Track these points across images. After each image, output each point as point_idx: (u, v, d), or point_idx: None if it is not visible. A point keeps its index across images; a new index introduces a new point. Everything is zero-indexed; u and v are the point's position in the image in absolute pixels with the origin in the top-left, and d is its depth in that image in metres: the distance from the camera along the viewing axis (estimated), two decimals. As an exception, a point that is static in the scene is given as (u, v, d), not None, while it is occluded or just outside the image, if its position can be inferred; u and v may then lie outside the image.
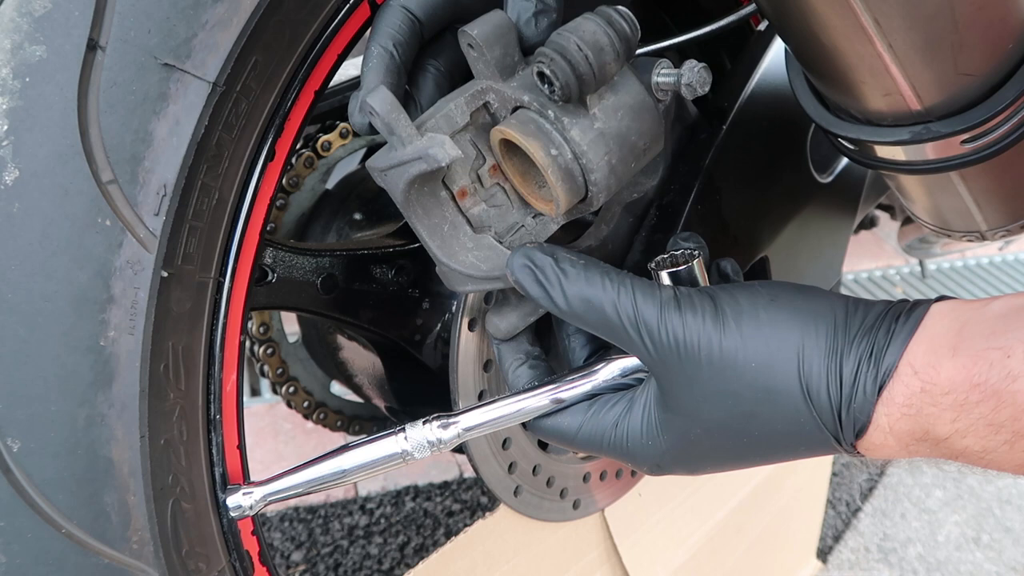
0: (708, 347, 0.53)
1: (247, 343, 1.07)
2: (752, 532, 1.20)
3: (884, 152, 0.65)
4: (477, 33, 0.55)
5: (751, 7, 0.73)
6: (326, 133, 0.98)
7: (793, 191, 0.89)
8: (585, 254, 0.73)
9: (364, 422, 1.17)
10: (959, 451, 0.49)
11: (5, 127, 0.47)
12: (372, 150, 1.04)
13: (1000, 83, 0.58)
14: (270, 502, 0.58)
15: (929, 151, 0.62)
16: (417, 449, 0.59)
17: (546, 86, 0.55)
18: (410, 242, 0.84)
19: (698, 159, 0.78)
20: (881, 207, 1.54)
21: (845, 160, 0.93)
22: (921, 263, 2.24)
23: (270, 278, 0.77)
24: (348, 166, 1.05)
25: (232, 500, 0.57)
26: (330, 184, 1.03)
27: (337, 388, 1.14)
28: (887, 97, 0.58)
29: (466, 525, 0.87)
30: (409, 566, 0.96)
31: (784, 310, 0.53)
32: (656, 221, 0.78)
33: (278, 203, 0.99)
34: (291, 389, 1.11)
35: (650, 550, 1.01)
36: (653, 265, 0.61)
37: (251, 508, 0.58)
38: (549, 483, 0.84)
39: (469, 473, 1.54)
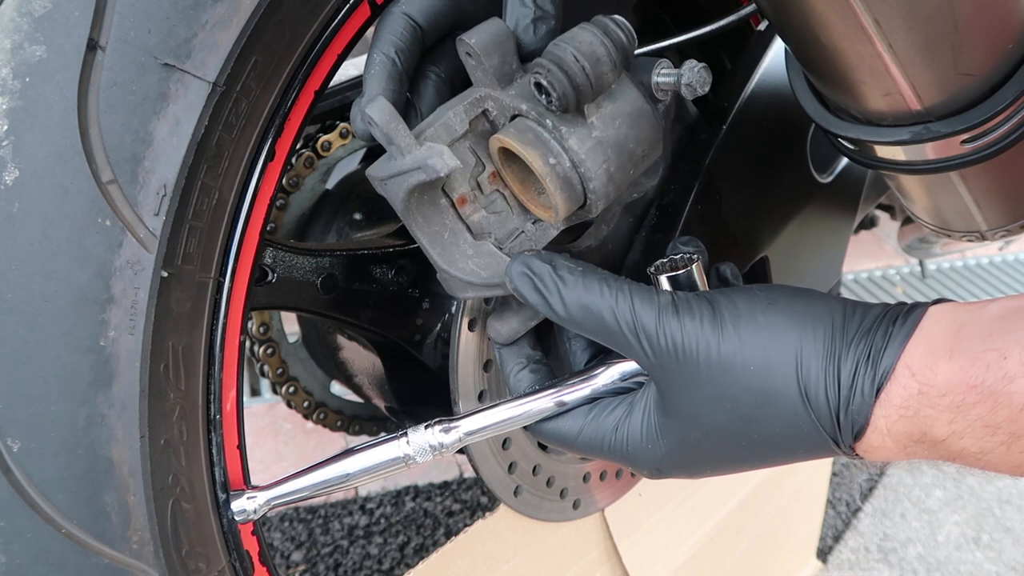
0: (706, 351, 0.53)
1: (247, 343, 1.07)
2: (752, 532, 1.20)
3: (884, 152, 0.65)
4: (475, 42, 0.55)
5: (751, 7, 0.73)
6: (326, 133, 0.98)
7: (793, 191, 0.89)
8: (584, 257, 0.73)
9: (364, 422, 1.17)
10: (956, 452, 0.50)
11: (5, 127, 0.47)
12: (372, 151, 1.04)
13: (1000, 83, 0.58)
14: (274, 506, 0.59)
15: (929, 151, 0.62)
16: (419, 453, 0.59)
17: (543, 97, 0.55)
18: (410, 242, 0.84)
19: (698, 159, 0.78)
20: (881, 207, 1.54)
21: (845, 160, 0.93)
22: (921, 263, 2.24)
23: (270, 278, 0.77)
24: (348, 166, 1.05)
25: (237, 505, 0.58)
26: (330, 184, 1.03)
27: (337, 388, 1.14)
28: (887, 97, 0.58)
29: (466, 525, 0.87)
30: (409, 566, 0.96)
31: (782, 314, 0.53)
32: (656, 221, 0.78)
33: (278, 203, 0.99)
34: (291, 389, 1.11)
35: (650, 550, 1.01)
36: (652, 269, 0.61)
37: (255, 512, 0.58)
38: (549, 483, 0.84)
39: (469, 473, 1.54)
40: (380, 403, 1.01)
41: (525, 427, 0.62)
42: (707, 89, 0.61)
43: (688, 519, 1.07)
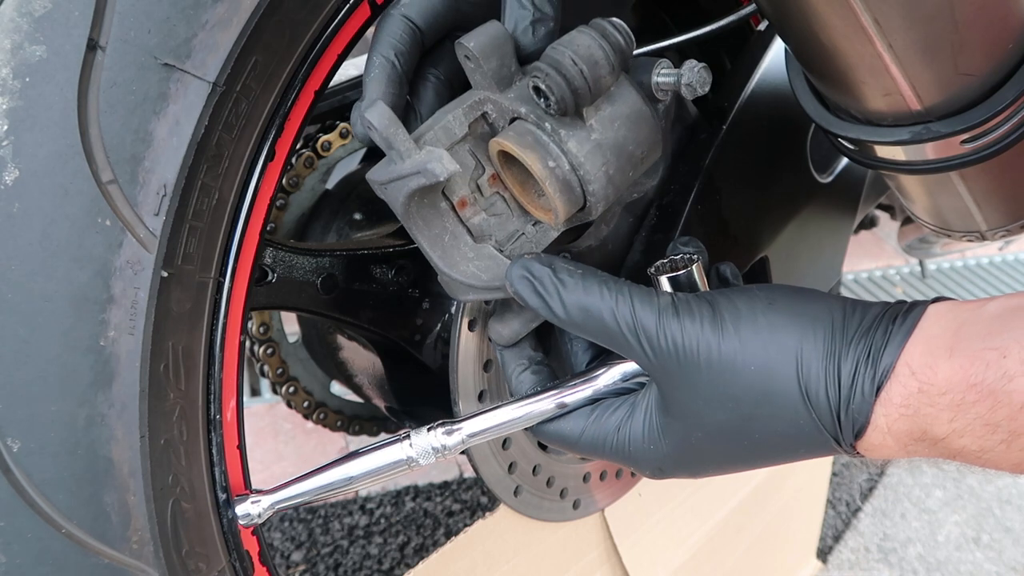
0: (707, 352, 0.53)
1: (247, 343, 1.07)
2: (752, 532, 1.20)
3: (884, 152, 0.65)
4: (473, 45, 0.55)
5: (751, 7, 0.73)
6: (326, 133, 0.98)
7: (793, 191, 0.89)
8: (585, 257, 0.73)
9: (364, 422, 1.17)
10: (956, 451, 0.50)
11: (5, 127, 0.47)
12: (372, 151, 1.04)
13: (1000, 83, 0.58)
14: (277, 510, 0.59)
15: (929, 151, 0.62)
16: (422, 455, 0.59)
17: (542, 100, 0.55)
18: (410, 242, 0.84)
19: (698, 159, 0.78)
20: (881, 207, 1.54)
21: (845, 160, 0.93)
22: (921, 263, 2.24)
23: (270, 278, 0.77)
24: (348, 166, 1.05)
25: (241, 509, 0.58)
26: (330, 184, 1.03)
27: (337, 388, 1.13)
28: (887, 97, 0.58)
29: (466, 525, 0.87)
30: (409, 566, 0.96)
31: (782, 314, 0.54)
32: (656, 221, 0.78)
33: (278, 203, 0.99)
34: (291, 389, 1.11)
35: (650, 550, 1.01)
36: (652, 270, 0.61)
37: (259, 516, 0.58)
38: (549, 483, 0.84)
39: (469, 473, 1.54)
40: (380, 403, 1.01)
41: (527, 428, 0.62)
42: (707, 89, 0.61)
43: (688, 519, 1.07)
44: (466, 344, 0.73)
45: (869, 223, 1.67)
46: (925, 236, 1.64)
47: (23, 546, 0.49)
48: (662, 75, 0.62)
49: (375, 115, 0.54)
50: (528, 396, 0.61)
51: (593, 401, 0.60)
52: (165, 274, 0.51)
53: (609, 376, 0.60)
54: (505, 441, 0.79)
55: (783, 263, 0.89)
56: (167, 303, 0.51)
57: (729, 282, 0.67)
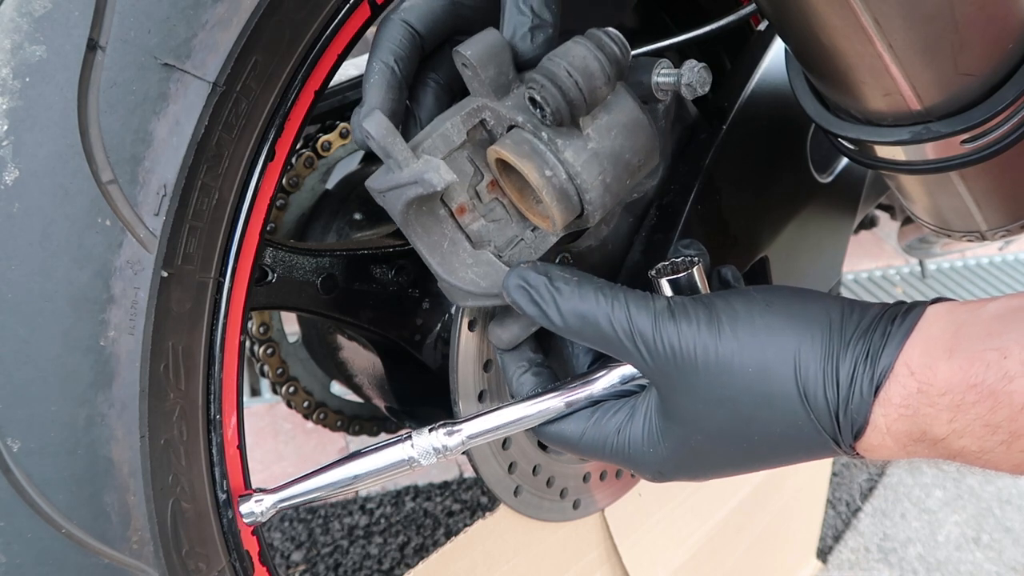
0: (704, 354, 0.53)
1: (247, 343, 1.07)
2: (752, 532, 1.20)
3: (884, 152, 0.65)
4: (471, 53, 0.55)
5: (751, 7, 0.73)
6: (326, 133, 0.98)
7: (793, 191, 0.89)
8: (584, 257, 0.73)
9: (364, 422, 1.17)
10: (956, 451, 0.50)
11: (5, 127, 0.47)
12: (372, 152, 1.03)
13: (1000, 83, 0.58)
14: (280, 509, 0.59)
15: (929, 151, 0.62)
16: (423, 456, 0.59)
17: (538, 111, 0.55)
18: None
19: (698, 159, 0.78)
20: (881, 207, 1.54)
21: (845, 160, 0.93)
22: (921, 263, 2.24)
23: (270, 278, 0.77)
24: (348, 166, 1.05)
25: (245, 507, 0.58)
26: (330, 184, 1.03)
27: (337, 388, 1.13)
28: (887, 97, 0.58)
29: (466, 525, 0.87)
30: (409, 566, 0.96)
31: (780, 315, 0.54)
32: (656, 221, 0.78)
33: (278, 203, 0.99)
34: (291, 389, 1.11)
35: (650, 550, 1.01)
36: (653, 273, 0.61)
37: (263, 515, 0.59)
38: (549, 483, 0.84)
39: (469, 473, 1.54)
40: (380, 403, 1.01)
41: (528, 429, 0.62)
42: (707, 89, 0.61)
43: (688, 519, 1.07)
44: (466, 344, 0.73)
45: (869, 223, 1.67)
46: (925, 236, 1.64)
47: (23, 546, 0.49)
48: (662, 75, 0.62)
49: (372, 124, 0.54)
50: (528, 398, 0.61)
51: (594, 403, 0.60)
52: (165, 274, 0.51)
53: (609, 379, 0.60)
54: (505, 441, 0.79)
55: (783, 263, 0.89)
56: (167, 303, 0.51)
57: (730, 284, 0.67)
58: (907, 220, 1.61)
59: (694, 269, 0.60)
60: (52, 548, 0.49)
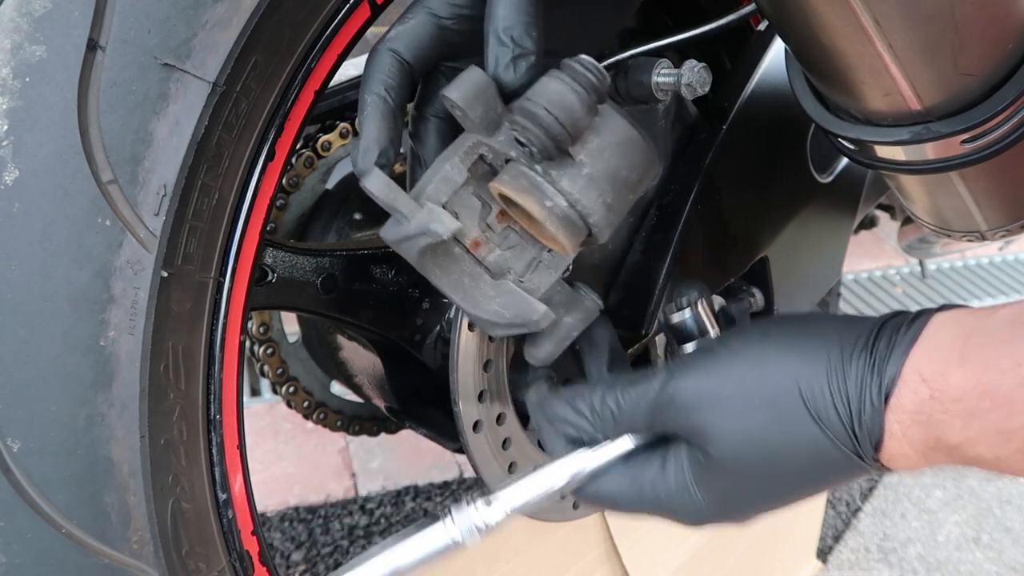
0: (711, 401, 0.54)
1: (247, 343, 1.06)
2: (752, 532, 1.20)
3: (884, 152, 0.65)
4: (457, 96, 0.56)
5: (751, 7, 0.73)
6: (326, 133, 0.98)
7: (793, 191, 0.89)
8: (585, 257, 0.73)
9: (364, 422, 1.17)
10: (972, 458, 0.49)
11: (5, 127, 0.47)
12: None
13: (1000, 83, 0.58)
14: None
15: (929, 151, 0.62)
16: (467, 535, 0.57)
17: (525, 149, 0.56)
18: (410, 242, 0.84)
19: (698, 159, 0.78)
20: (881, 207, 1.54)
21: (845, 160, 0.93)
22: (921, 263, 2.24)
23: (270, 278, 0.77)
24: (348, 166, 1.05)
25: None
26: (330, 184, 1.03)
27: (337, 388, 1.13)
28: (887, 97, 0.58)
29: (466, 525, 0.87)
30: (409, 566, 0.96)
31: (775, 344, 0.54)
32: (656, 221, 0.78)
33: (278, 203, 0.99)
34: (291, 389, 1.10)
35: (650, 550, 1.01)
36: (661, 318, 0.62)
37: None
38: (549, 483, 0.84)
39: (469, 473, 1.54)
40: (380, 403, 1.01)
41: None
42: (707, 89, 0.61)
43: (688, 519, 1.07)
44: (466, 344, 0.73)
45: (869, 223, 1.67)
46: (925, 236, 1.64)
47: (23, 546, 0.49)
48: (662, 75, 0.62)
49: (373, 185, 0.56)
50: (557, 460, 0.61)
51: (626, 456, 0.60)
52: (165, 274, 0.51)
53: (634, 439, 0.61)
54: (505, 441, 0.79)
55: (783, 263, 0.89)
56: (167, 303, 0.51)
57: (735, 321, 0.67)
58: (907, 220, 1.61)
59: (698, 305, 0.61)
60: (52, 548, 0.49)
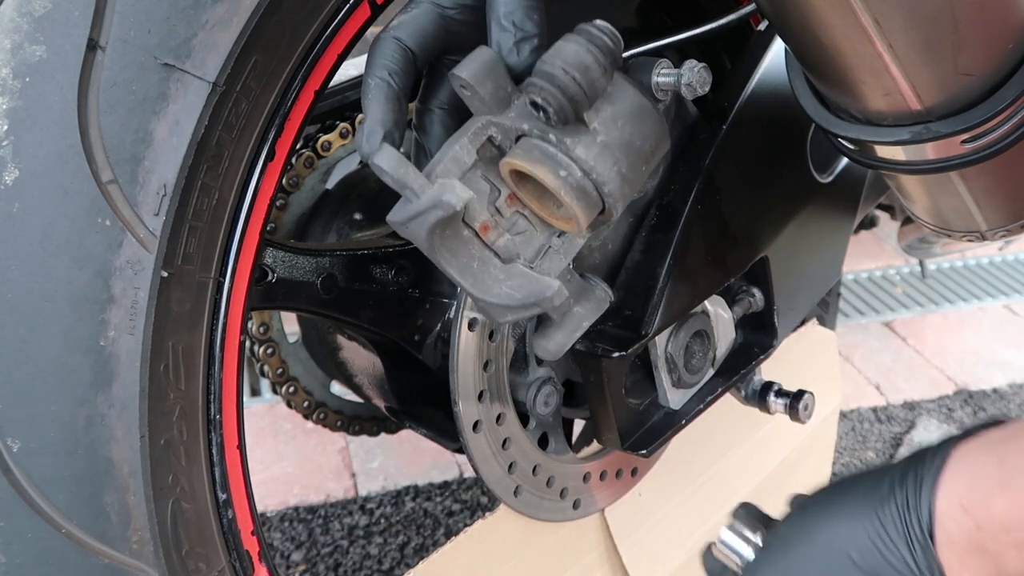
0: None
1: (247, 343, 1.06)
2: (752, 532, 1.20)
3: (884, 152, 0.65)
4: (467, 74, 0.56)
5: (751, 7, 0.73)
6: (326, 133, 0.98)
7: (793, 191, 0.89)
8: (585, 257, 0.73)
9: (364, 422, 1.17)
10: None
11: (5, 127, 0.47)
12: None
13: (1000, 83, 0.58)
14: None
15: (929, 151, 0.62)
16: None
17: (541, 113, 0.56)
18: (410, 242, 0.84)
19: (698, 159, 0.78)
20: (881, 207, 1.54)
21: (845, 160, 0.93)
22: (921, 263, 2.24)
23: (270, 278, 0.77)
24: (348, 166, 1.05)
25: None
26: (330, 184, 1.03)
27: (337, 388, 1.13)
28: (887, 97, 0.58)
29: (466, 525, 0.87)
30: (409, 566, 0.96)
31: (814, 517, 0.55)
32: (656, 221, 0.78)
33: (278, 203, 0.99)
34: (291, 389, 1.10)
35: (650, 550, 1.01)
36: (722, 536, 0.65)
37: None
38: (549, 483, 0.84)
39: (469, 473, 1.54)
40: (380, 403, 1.01)
41: None
42: (707, 89, 0.61)
43: (688, 519, 1.07)
44: (466, 344, 0.73)
45: (869, 223, 1.67)
46: (925, 236, 1.64)
47: (23, 546, 0.49)
48: (662, 75, 0.62)
49: (383, 159, 0.55)
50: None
51: None
52: (165, 274, 0.51)
53: None
54: (505, 441, 0.79)
55: (783, 263, 0.89)
56: (167, 303, 0.51)
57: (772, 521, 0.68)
58: (907, 220, 1.61)
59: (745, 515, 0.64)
60: (52, 548, 0.49)
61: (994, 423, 0.53)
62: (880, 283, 2.24)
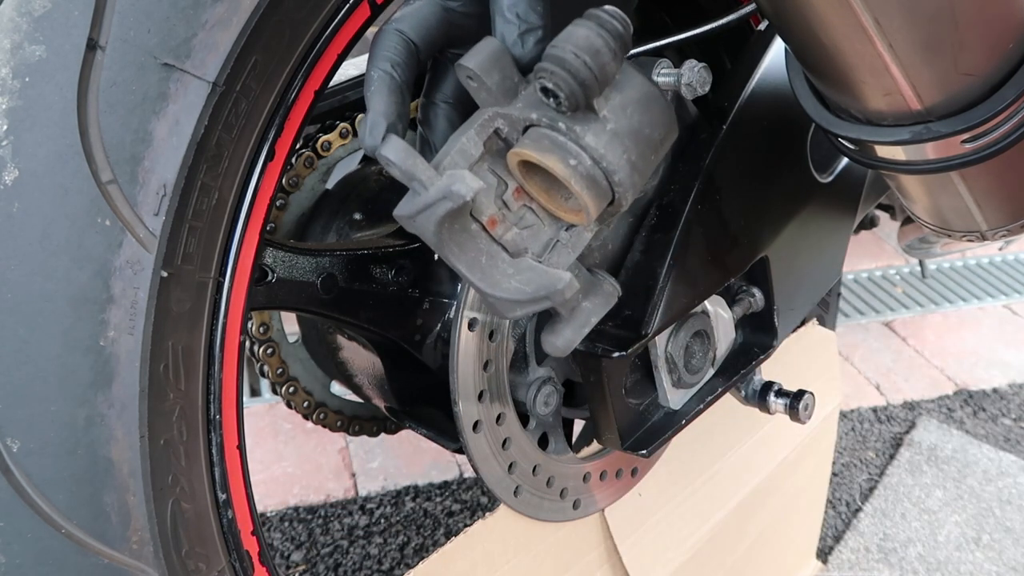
0: None
1: (247, 343, 1.06)
2: (752, 532, 1.20)
3: (884, 152, 0.65)
4: (474, 64, 0.55)
5: (751, 7, 0.73)
6: (326, 133, 0.98)
7: (793, 191, 0.89)
8: (586, 257, 0.73)
9: (364, 422, 1.17)
10: None
11: (5, 127, 0.47)
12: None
13: (1000, 83, 0.58)
14: None
15: (929, 151, 0.62)
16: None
17: (551, 99, 0.55)
18: (410, 242, 0.84)
19: (698, 159, 0.78)
20: (881, 207, 1.54)
21: (845, 160, 0.93)
22: (921, 263, 2.24)
23: (270, 278, 0.77)
24: (348, 166, 1.05)
25: None
26: (330, 184, 1.03)
27: (337, 388, 1.13)
28: (887, 97, 0.58)
29: (466, 525, 0.87)
30: (409, 566, 0.96)
31: None
32: (656, 221, 0.78)
33: (278, 203, 0.99)
34: (291, 389, 1.10)
35: (650, 550, 1.01)
36: None
37: None
38: (549, 483, 0.84)
39: (469, 473, 1.55)
40: (380, 403, 1.01)
41: None
42: (707, 89, 0.61)
43: (688, 519, 1.07)
44: (466, 344, 0.73)
45: (869, 223, 1.67)
46: (925, 236, 1.64)
47: (23, 546, 0.49)
48: (662, 75, 0.62)
49: (391, 150, 0.54)
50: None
51: None
52: (165, 274, 0.51)
53: None
54: (505, 441, 0.79)
55: (783, 263, 0.89)
56: (167, 303, 0.51)
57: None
58: (907, 220, 1.61)
59: None
60: (52, 548, 0.49)
61: None
62: (880, 283, 2.24)
